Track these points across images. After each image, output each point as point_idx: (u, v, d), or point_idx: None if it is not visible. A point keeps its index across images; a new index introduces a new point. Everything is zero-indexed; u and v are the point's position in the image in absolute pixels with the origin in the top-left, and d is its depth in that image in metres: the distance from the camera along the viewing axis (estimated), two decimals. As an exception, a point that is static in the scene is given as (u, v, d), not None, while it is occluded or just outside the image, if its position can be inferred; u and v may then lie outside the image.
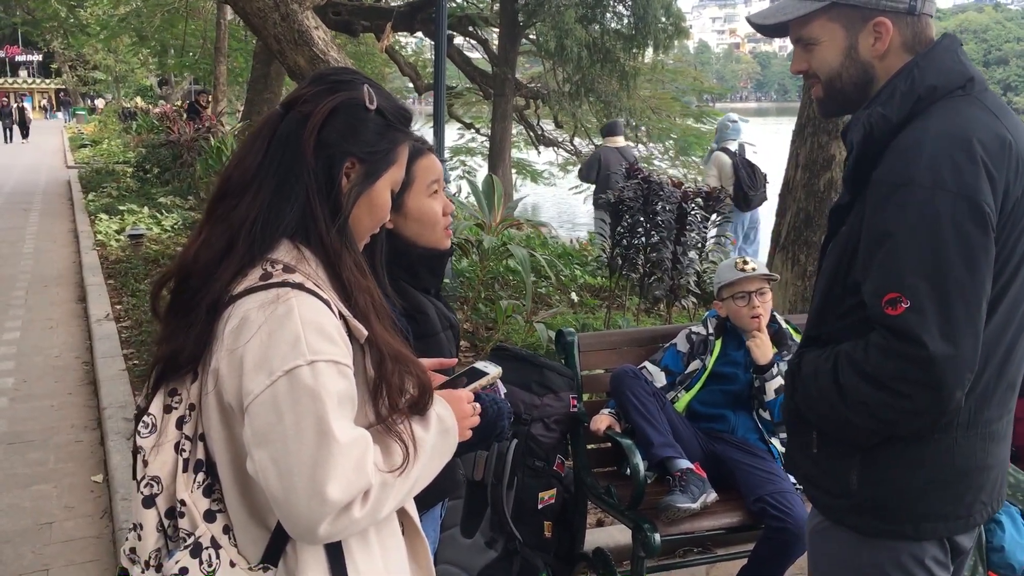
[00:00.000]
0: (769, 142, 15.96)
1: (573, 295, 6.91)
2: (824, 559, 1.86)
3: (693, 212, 5.50)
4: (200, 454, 1.38)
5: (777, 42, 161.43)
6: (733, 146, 8.24)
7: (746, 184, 7.85)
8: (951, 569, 1.78)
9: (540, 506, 3.22)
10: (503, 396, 1.91)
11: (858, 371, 1.63)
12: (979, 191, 1.54)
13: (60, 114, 51.05)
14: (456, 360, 1.83)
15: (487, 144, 16.73)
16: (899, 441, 1.69)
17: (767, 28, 1.83)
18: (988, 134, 1.59)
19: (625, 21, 14.73)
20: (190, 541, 1.35)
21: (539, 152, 19.07)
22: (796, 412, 1.82)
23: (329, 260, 1.41)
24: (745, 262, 3.34)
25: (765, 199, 8.32)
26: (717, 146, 8.44)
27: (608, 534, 3.70)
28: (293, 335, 1.29)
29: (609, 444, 3.36)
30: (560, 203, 18.79)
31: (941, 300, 1.55)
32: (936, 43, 1.69)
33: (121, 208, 11.73)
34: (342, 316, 1.38)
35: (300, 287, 1.33)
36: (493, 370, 1.73)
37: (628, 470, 3.10)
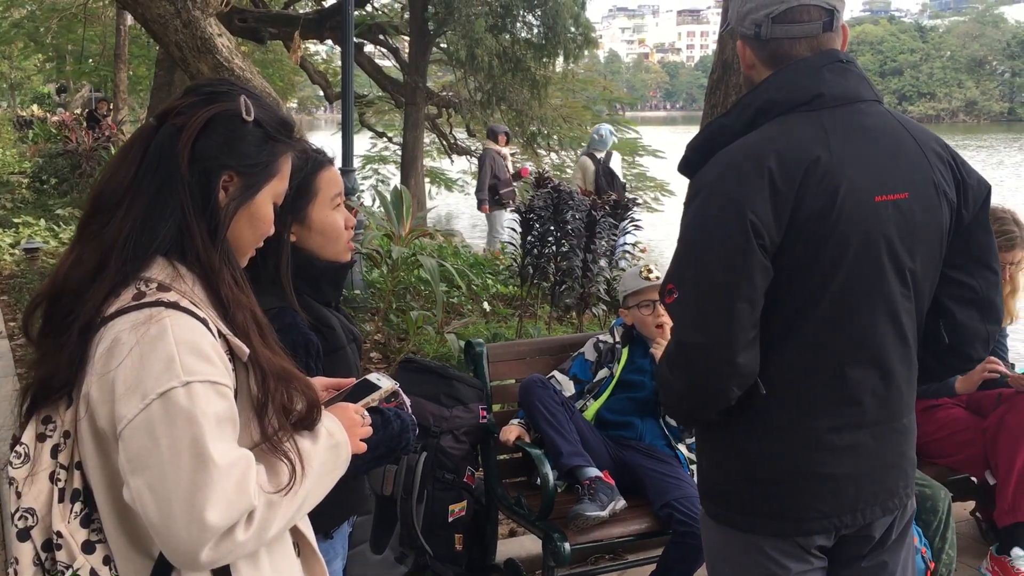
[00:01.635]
0: (680, 151, 16.22)
1: (485, 304, 6.91)
2: (704, 541, 2.00)
3: (602, 220, 5.57)
4: (77, 483, 1.32)
5: (684, 52, 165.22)
6: (600, 154, 9.17)
7: (603, 190, 8.34)
8: (813, 561, 1.82)
9: (451, 519, 3.20)
10: (408, 409, 1.89)
11: (664, 353, 1.82)
12: (749, 200, 1.65)
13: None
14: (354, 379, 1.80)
15: (400, 153, 16.64)
16: (728, 434, 1.81)
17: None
18: (792, 149, 1.67)
19: (535, 30, 14.84)
20: (68, 574, 1.29)
21: (452, 161, 19.06)
22: None
23: (207, 277, 1.37)
24: (650, 270, 3.38)
25: None
26: (586, 150, 9.49)
27: (520, 544, 3.70)
28: (166, 356, 1.25)
29: (519, 454, 3.37)
30: (474, 212, 18.83)
31: (697, 294, 1.71)
32: (799, 60, 1.75)
33: (16, 221, 11.25)
34: (222, 335, 1.34)
35: (175, 306, 1.29)
36: (386, 383, 1.69)
37: (538, 480, 3.11)
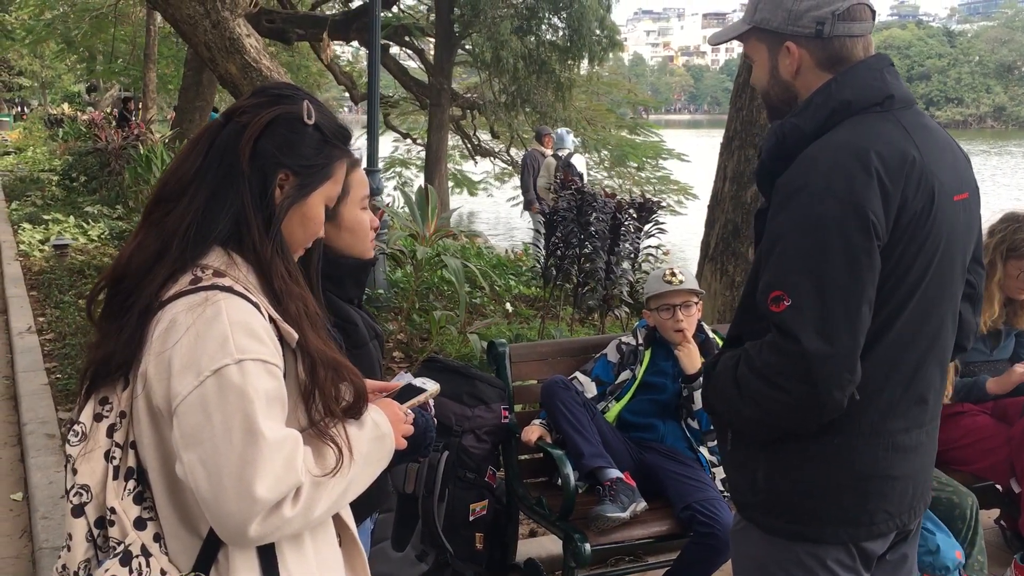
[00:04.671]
0: (704, 154, 16.23)
1: (508, 305, 6.93)
2: (740, 558, 1.93)
3: (627, 223, 5.58)
4: (131, 461, 1.38)
5: (709, 56, 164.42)
6: (562, 152, 10.46)
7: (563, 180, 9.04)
8: (864, 575, 1.80)
9: (471, 518, 3.21)
10: (432, 410, 1.93)
11: (750, 365, 1.69)
12: (867, 199, 1.61)
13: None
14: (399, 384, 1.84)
15: (424, 154, 16.70)
16: (802, 442, 1.73)
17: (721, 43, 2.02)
18: (890, 149, 1.65)
19: (560, 33, 14.87)
20: (120, 549, 1.35)
21: (476, 162, 19.11)
22: (711, 409, 1.89)
23: (261, 268, 1.43)
24: (673, 274, 3.38)
25: None
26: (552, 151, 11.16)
27: (540, 544, 3.71)
28: (221, 335, 1.30)
29: (540, 455, 3.37)
30: (497, 212, 18.87)
31: (820, 299, 1.61)
32: (861, 61, 1.75)
33: (46, 217, 11.38)
34: (272, 320, 1.39)
35: (229, 290, 1.35)
36: (432, 386, 1.75)
37: (559, 480, 3.12)
